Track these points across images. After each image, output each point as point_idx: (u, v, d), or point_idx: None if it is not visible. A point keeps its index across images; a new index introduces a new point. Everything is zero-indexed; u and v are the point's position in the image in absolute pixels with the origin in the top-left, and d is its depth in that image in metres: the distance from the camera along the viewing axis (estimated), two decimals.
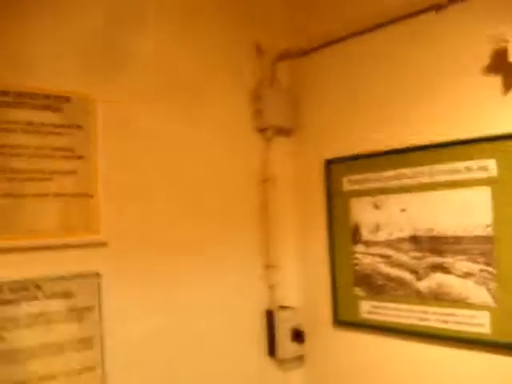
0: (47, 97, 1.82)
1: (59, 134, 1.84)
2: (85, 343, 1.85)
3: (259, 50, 2.45)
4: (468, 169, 1.88)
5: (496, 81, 1.81)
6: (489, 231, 1.83)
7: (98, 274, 1.89)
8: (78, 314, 1.85)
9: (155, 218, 2.08)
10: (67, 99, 1.86)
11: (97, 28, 1.96)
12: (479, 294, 1.86)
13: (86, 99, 1.90)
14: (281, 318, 2.38)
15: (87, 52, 1.94)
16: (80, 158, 1.88)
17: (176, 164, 2.16)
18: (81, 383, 1.85)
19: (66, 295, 1.82)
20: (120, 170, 1.99)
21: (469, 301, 1.89)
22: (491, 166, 1.82)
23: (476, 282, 1.87)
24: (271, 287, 2.43)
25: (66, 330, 1.82)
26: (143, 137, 2.07)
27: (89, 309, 1.87)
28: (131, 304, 1.99)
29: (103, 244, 1.91)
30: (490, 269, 1.83)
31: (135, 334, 2.00)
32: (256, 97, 2.40)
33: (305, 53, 2.45)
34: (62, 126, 1.85)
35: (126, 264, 1.98)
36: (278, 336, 2.38)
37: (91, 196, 1.89)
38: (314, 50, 2.41)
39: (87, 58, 1.94)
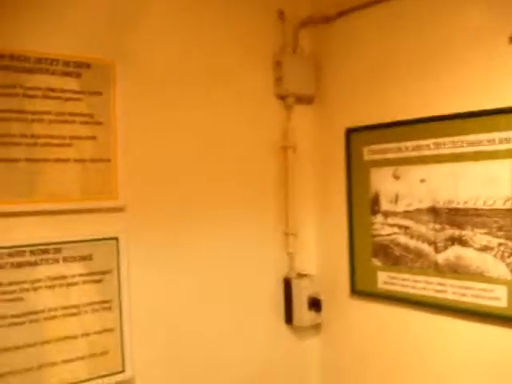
0: (67, 63, 1.83)
1: (79, 99, 1.85)
2: (103, 305, 1.90)
3: (281, 16, 2.41)
4: (490, 141, 1.84)
5: None
6: (509, 205, 1.80)
7: (116, 238, 1.92)
8: (97, 277, 1.89)
9: (174, 183, 2.10)
10: (87, 65, 1.87)
11: None
12: (497, 267, 1.84)
13: (105, 65, 1.91)
14: (298, 286, 2.39)
15: (108, 18, 1.94)
16: (99, 123, 1.89)
17: (195, 130, 2.16)
18: (100, 344, 1.90)
19: (85, 258, 1.86)
20: (139, 137, 2.01)
21: (486, 274, 1.88)
22: None
23: (494, 256, 1.85)
24: (289, 255, 2.44)
25: (85, 293, 1.86)
26: (162, 103, 2.07)
27: (107, 272, 1.91)
28: (149, 268, 2.03)
29: (121, 209, 1.94)
30: (509, 243, 1.80)
31: (153, 297, 2.04)
32: (277, 63, 2.37)
33: (327, 19, 2.40)
34: (81, 92, 1.86)
35: (144, 228, 2.01)
36: (295, 304, 2.40)
37: (110, 161, 1.90)
38: (337, 16, 2.36)
39: (108, 24, 1.94)
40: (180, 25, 2.12)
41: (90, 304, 1.88)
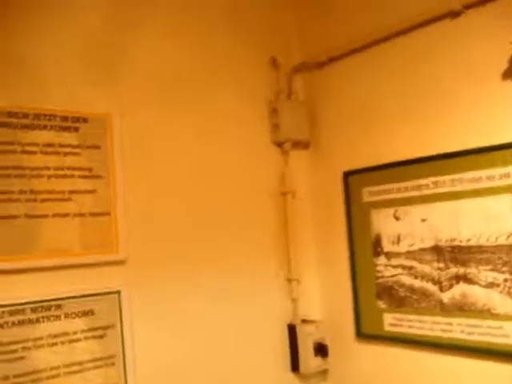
0: (64, 118, 1.85)
1: (77, 154, 1.87)
2: (106, 361, 1.86)
3: (275, 64, 2.46)
4: (490, 177, 1.85)
5: None
6: None
7: (118, 292, 1.89)
8: (100, 332, 1.85)
9: (174, 234, 2.09)
10: (84, 119, 1.89)
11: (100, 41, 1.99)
12: (504, 303, 1.83)
13: (102, 118, 1.92)
14: (303, 332, 2.36)
15: (102, 70, 1.96)
16: (98, 177, 1.90)
17: (193, 180, 2.17)
18: None
19: (87, 314, 1.83)
20: (139, 189, 2.01)
21: (494, 311, 1.86)
22: None
23: (501, 292, 1.83)
24: (293, 301, 2.41)
25: (88, 349, 1.83)
26: (161, 154, 2.09)
27: (110, 327, 1.88)
28: (152, 321, 1.99)
29: (122, 262, 1.92)
30: None
31: (157, 352, 2.00)
32: (272, 110, 2.40)
33: (321, 65, 2.44)
34: (79, 146, 1.87)
35: (145, 281, 1.99)
36: (300, 350, 2.36)
37: (110, 214, 1.90)
38: (328, 62, 2.40)
39: (103, 76, 1.96)
40: (173, 75, 2.15)
41: (93, 360, 1.84)
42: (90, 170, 1.88)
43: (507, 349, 1.83)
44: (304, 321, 2.41)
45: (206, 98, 2.23)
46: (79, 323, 1.82)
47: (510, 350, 1.82)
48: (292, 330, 2.39)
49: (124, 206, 1.94)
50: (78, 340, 1.81)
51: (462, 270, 1.94)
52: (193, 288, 2.12)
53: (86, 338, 1.83)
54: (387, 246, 2.18)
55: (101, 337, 1.86)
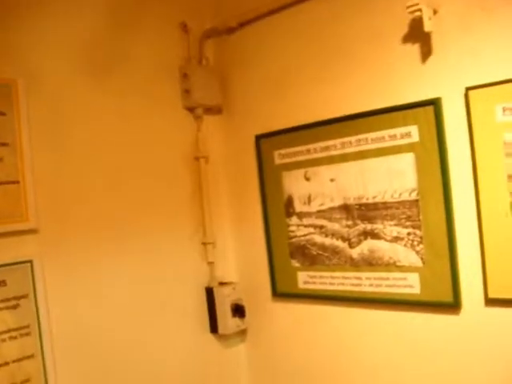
0: None
1: None
2: (21, 331, 1.82)
3: (185, 29, 2.44)
4: (392, 136, 1.94)
5: (414, 49, 1.87)
6: (414, 196, 1.90)
7: (30, 261, 1.86)
8: (13, 302, 1.81)
9: (86, 201, 2.05)
10: None
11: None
12: (408, 256, 1.94)
13: (7, 84, 1.85)
14: (221, 294, 2.41)
15: (7, 37, 1.89)
16: (5, 145, 1.83)
17: (105, 145, 2.13)
18: (20, 373, 1.82)
19: None
20: (48, 156, 1.96)
21: (399, 263, 1.97)
22: (413, 132, 1.88)
23: (405, 245, 1.94)
24: (210, 264, 2.45)
25: (1, 320, 1.78)
26: (72, 124, 2.03)
27: (23, 297, 1.84)
28: (67, 288, 1.97)
29: (34, 231, 1.88)
30: (418, 231, 1.90)
31: (75, 318, 1.98)
32: (183, 76, 2.39)
33: (230, 30, 2.45)
34: None
35: (59, 249, 1.96)
36: (218, 312, 2.41)
37: (18, 183, 1.85)
38: (239, 27, 2.41)
39: (7, 43, 1.89)
40: (82, 39, 2.10)
41: (8, 331, 1.80)
42: None
43: (412, 298, 1.95)
44: (221, 283, 2.46)
45: (116, 65, 2.19)
46: None
47: (415, 299, 1.94)
48: (209, 292, 2.43)
49: (34, 175, 1.89)
50: None
51: (369, 227, 2.03)
52: (108, 255, 2.10)
53: None
54: (299, 207, 2.25)
55: (14, 307, 1.82)
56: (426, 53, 1.85)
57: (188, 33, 2.45)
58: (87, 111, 2.09)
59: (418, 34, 1.84)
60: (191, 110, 2.43)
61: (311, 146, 2.18)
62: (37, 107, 1.93)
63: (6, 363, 1.79)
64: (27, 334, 1.85)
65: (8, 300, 1.81)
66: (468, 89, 1.73)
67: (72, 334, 1.97)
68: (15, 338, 1.82)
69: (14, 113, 1.86)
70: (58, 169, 1.98)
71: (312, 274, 2.24)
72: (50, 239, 1.94)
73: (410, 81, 1.89)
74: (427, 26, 1.76)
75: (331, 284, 2.17)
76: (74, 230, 2.01)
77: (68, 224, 1.99)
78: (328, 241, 2.16)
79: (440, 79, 1.82)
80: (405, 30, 1.89)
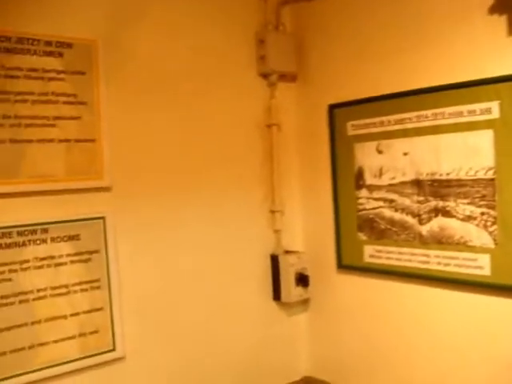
0: (48, 43, 1.82)
1: (62, 79, 1.85)
2: (92, 285, 1.91)
3: None
4: (471, 112, 1.86)
5: (500, 21, 1.77)
6: (490, 174, 1.82)
7: (103, 218, 1.92)
8: (85, 256, 1.90)
9: (160, 163, 2.10)
10: (69, 45, 1.86)
11: None
12: (480, 236, 1.88)
13: (88, 45, 1.90)
14: (286, 262, 2.41)
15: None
16: (83, 103, 1.89)
17: (180, 109, 2.17)
18: (89, 323, 1.91)
19: (73, 238, 1.87)
20: (124, 117, 2.01)
21: (470, 244, 1.91)
22: (494, 109, 1.80)
23: (477, 225, 1.88)
24: (276, 232, 2.46)
25: (74, 273, 1.87)
26: (147, 84, 2.07)
27: (95, 251, 1.92)
28: (137, 246, 2.04)
29: (107, 188, 1.95)
30: (492, 212, 1.83)
31: (142, 276, 2.05)
32: (259, 41, 2.38)
33: None
34: (64, 71, 1.86)
35: (130, 208, 2.02)
36: (283, 280, 2.43)
37: (95, 141, 1.91)
38: None
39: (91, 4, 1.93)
40: (162, 9, 2.12)
41: (79, 284, 1.89)
42: (74, 96, 1.87)
43: (481, 279, 1.89)
44: (287, 252, 2.47)
45: (194, 26, 2.20)
46: (65, 247, 1.85)
47: (484, 281, 1.88)
48: (275, 260, 2.44)
49: (110, 133, 1.94)
50: (63, 264, 1.85)
51: (441, 204, 1.98)
52: (178, 217, 2.15)
53: (71, 262, 1.87)
54: (369, 179, 2.21)
55: (86, 261, 1.90)
56: None
57: None
58: (163, 72, 2.12)
59: (505, 5, 1.75)
60: (266, 76, 2.42)
61: (385, 118, 2.13)
62: (115, 69, 1.97)
63: (77, 313, 1.89)
64: (97, 288, 1.93)
65: (81, 254, 1.89)
66: None
67: (139, 291, 2.04)
68: (86, 290, 1.90)
69: (92, 72, 1.92)
70: (133, 130, 2.03)
71: (379, 248, 2.21)
72: (123, 197, 2.00)
73: (494, 54, 1.80)
74: None
75: (398, 260, 2.14)
76: (145, 189, 2.06)
77: (140, 184, 2.05)
78: (397, 215, 2.12)
79: None
80: (490, 0, 1.80)
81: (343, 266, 2.37)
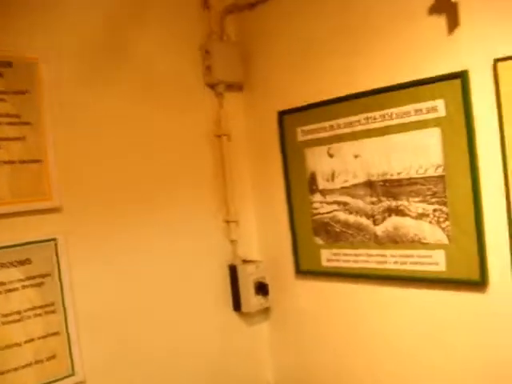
0: None
1: (3, 100, 1.79)
2: (46, 309, 1.84)
3: (206, 5, 2.41)
4: (418, 111, 1.89)
5: (440, 21, 1.81)
6: (440, 171, 1.86)
7: (54, 240, 1.87)
8: (37, 280, 1.83)
9: (109, 179, 2.06)
10: (8, 64, 1.80)
11: None
12: (434, 233, 1.91)
13: (28, 63, 1.85)
14: (244, 272, 2.40)
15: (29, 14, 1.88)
16: (27, 123, 1.83)
17: (127, 124, 2.13)
18: (46, 349, 1.84)
19: (24, 263, 1.80)
20: (70, 135, 1.95)
21: (424, 241, 1.93)
22: (440, 107, 1.84)
23: (430, 222, 1.91)
24: (233, 242, 2.45)
25: (26, 298, 1.80)
26: (91, 98, 2.02)
27: (48, 275, 1.86)
28: (91, 266, 1.98)
29: (57, 209, 1.89)
30: (444, 208, 1.87)
31: (99, 296, 2.00)
32: (205, 52, 2.36)
33: (252, 5, 2.42)
34: (5, 92, 1.79)
35: (82, 228, 1.96)
36: (242, 290, 2.41)
37: (41, 161, 1.85)
38: (260, 2, 2.38)
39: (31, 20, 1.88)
40: (101, 17, 2.08)
41: (33, 309, 1.82)
42: (17, 116, 1.81)
43: (437, 276, 1.92)
44: (244, 261, 2.46)
45: (136, 42, 2.17)
46: (16, 272, 1.78)
47: (440, 277, 1.91)
48: (233, 270, 2.43)
49: (56, 153, 1.89)
50: (15, 289, 1.78)
51: (393, 203, 2.00)
52: (131, 233, 2.11)
53: (23, 287, 1.80)
54: (322, 184, 2.22)
55: (39, 285, 1.84)
56: (452, 24, 1.79)
57: (209, 9, 2.42)
58: (107, 88, 2.08)
59: (444, 5, 1.79)
60: (213, 86, 2.41)
61: (334, 122, 2.14)
62: (58, 86, 1.92)
63: (32, 340, 1.82)
64: (52, 312, 1.87)
65: (33, 278, 1.83)
66: (497, 60, 1.67)
67: (96, 312, 1.99)
68: (40, 315, 1.84)
69: (35, 91, 1.86)
70: (80, 147, 1.98)
71: (336, 251, 2.22)
72: (74, 217, 1.94)
73: (436, 53, 1.83)
74: None
75: (355, 262, 2.15)
76: (97, 207, 2.01)
77: (91, 202, 2.00)
78: (352, 218, 2.14)
79: (467, 51, 1.76)
80: (431, 1, 1.83)
81: (301, 271, 2.37)
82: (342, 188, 2.15)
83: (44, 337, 1.84)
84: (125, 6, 2.16)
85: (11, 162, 1.79)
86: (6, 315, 1.76)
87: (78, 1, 2.02)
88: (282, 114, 2.34)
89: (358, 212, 2.11)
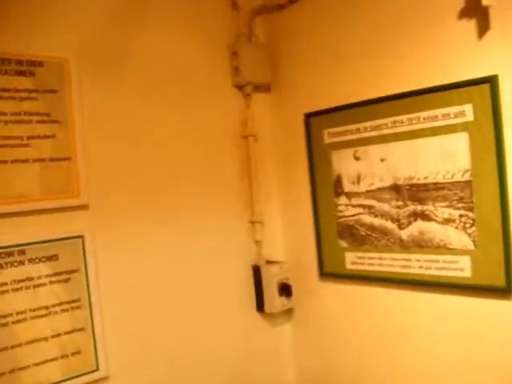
0: (20, 62, 1.80)
1: (34, 98, 1.83)
2: (72, 305, 1.88)
3: (235, 6, 2.42)
4: (445, 115, 1.88)
5: (470, 25, 1.80)
6: (467, 176, 1.84)
7: (81, 237, 1.90)
8: (64, 276, 1.87)
9: (137, 178, 2.08)
10: (40, 63, 1.84)
11: None
12: (460, 239, 1.89)
13: (59, 63, 1.88)
14: (268, 272, 2.41)
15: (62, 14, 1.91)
16: (57, 122, 1.87)
17: (157, 124, 2.15)
18: (71, 344, 1.88)
19: (51, 258, 1.84)
20: (99, 133, 1.99)
21: (450, 246, 1.92)
22: (468, 112, 1.82)
23: (456, 228, 1.89)
24: (257, 243, 2.45)
25: (53, 293, 1.84)
26: (121, 97, 2.06)
27: (75, 271, 1.89)
28: (117, 263, 2.01)
29: (85, 206, 1.92)
30: (470, 214, 1.85)
31: (123, 293, 2.02)
32: (233, 53, 2.38)
33: (280, 7, 2.42)
34: (36, 90, 1.83)
35: (109, 225, 1.99)
36: (265, 291, 2.42)
37: (70, 159, 1.88)
38: (289, 3, 2.38)
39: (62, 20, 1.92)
40: (134, 21, 2.11)
41: (59, 304, 1.85)
42: (47, 114, 1.84)
43: (462, 281, 1.90)
44: (268, 262, 2.46)
45: (165, 43, 2.20)
46: (43, 268, 1.82)
47: (465, 283, 1.89)
48: (257, 271, 2.43)
49: (85, 151, 1.92)
50: (42, 285, 1.82)
51: (419, 208, 1.99)
52: (157, 231, 2.13)
53: (51, 283, 1.84)
54: (348, 186, 2.22)
55: (66, 281, 1.87)
56: (482, 28, 1.77)
57: (238, 10, 2.43)
58: (135, 90, 2.11)
59: (475, 9, 1.77)
60: (240, 87, 2.42)
61: (361, 125, 2.13)
62: (88, 85, 1.95)
63: (58, 335, 1.85)
64: (78, 308, 1.90)
65: (60, 274, 1.86)
66: None
67: (121, 309, 2.01)
68: (66, 310, 1.87)
69: (65, 90, 1.89)
70: (109, 146, 2.01)
71: (360, 254, 2.21)
72: (101, 214, 1.97)
73: (466, 58, 1.82)
74: (485, 0, 1.70)
75: (379, 265, 2.14)
76: (123, 206, 2.04)
77: (118, 199, 2.02)
78: (377, 221, 2.13)
79: (497, 56, 1.74)
80: (461, 4, 1.81)
81: (325, 273, 2.37)
82: (368, 191, 2.15)
83: (70, 332, 1.88)
84: (154, 6, 2.18)
85: (41, 160, 1.83)
86: (33, 310, 1.80)
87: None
88: (309, 116, 2.33)
89: (384, 216, 2.10)
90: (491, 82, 1.75)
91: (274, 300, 2.41)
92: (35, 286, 1.81)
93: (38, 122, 1.83)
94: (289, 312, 2.55)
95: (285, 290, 2.42)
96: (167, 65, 2.20)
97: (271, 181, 2.53)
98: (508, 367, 1.81)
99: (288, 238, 2.55)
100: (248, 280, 2.44)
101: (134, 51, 2.10)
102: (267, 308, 2.43)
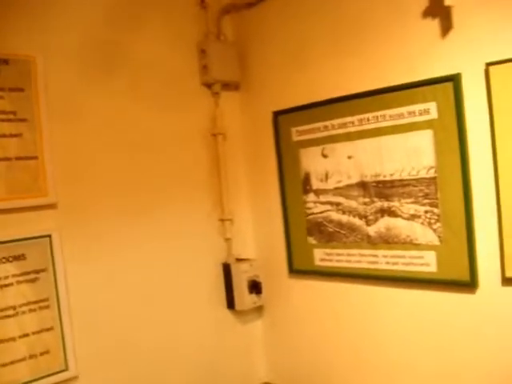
0: None
1: (0, 97, 1.81)
2: (40, 304, 1.86)
3: (203, 4, 2.42)
4: (411, 113, 1.91)
5: (434, 24, 1.83)
6: (432, 173, 1.87)
7: (49, 236, 1.88)
8: (32, 276, 1.85)
9: (105, 177, 2.08)
10: (5, 61, 1.82)
11: None
12: (425, 234, 1.92)
13: (25, 61, 1.86)
14: (238, 270, 2.42)
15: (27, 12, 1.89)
16: (23, 120, 1.85)
17: (125, 121, 2.15)
18: (39, 344, 1.86)
19: (19, 258, 1.82)
20: (67, 132, 1.98)
21: (416, 242, 1.95)
22: (432, 109, 1.85)
23: (422, 223, 1.93)
24: (227, 240, 2.47)
25: (21, 293, 1.82)
26: (88, 95, 2.04)
27: (42, 270, 1.87)
28: (85, 263, 2.00)
29: (52, 206, 1.91)
30: (435, 210, 1.88)
31: (93, 293, 2.01)
32: (201, 51, 2.38)
33: (248, 6, 2.44)
34: (1, 89, 1.81)
35: (78, 224, 1.98)
36: (235, 288, 2.43)
37: (37, 158, 1.87)
38: (257, 2, 2.40)
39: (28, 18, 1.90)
40: (97, 16, 2.09)
41: (27, 304, 1.84)
42: (14, 113, 1.83)
43: (428, 276, 1.93)
44: (238, 259, 2.47)
45: (132, 41, 2.19)
46: (10, 268, 1.80)
47: (431, 278, 1.93)
48: (227, 268, 2.44)
49: (53, 150, 1.91)
50: (10, 284, 1.80)
51: (386, 204, 2.02)
52: (125, 230, 2.12)
53: (18, 283, 1.82)
54: (316, 184, 2.24)
55: (33, 281, 1.85)
56: (445, 27, 1.80)
57: (206, 8, 2.43)
58: (104, 87, 2.09)
59: (438, 8, 1.80)
60: (209, 86, 2.43)
61: (329, 123, 2.16)
62: (55, 83, 1.94)
63: (26, 335, 1.84)
64: (46, 307, 1.88)
65: (27, 273, 1.85)
66: (488, 64, 1.69)
67: (90, 308, 2.00)
68: (34, 310, 1.86)
69: (31, 89, 1.87)
70: (76, 144, 2.00)
71: (328, 251, 2.23)
72: (69, 214, 1.96)
73: (429, 56, 1.85)
74: (448, 0, 1.73)
75: (348, 261, 2.17)
76: (92, 204, 2.03)
77: (86, 198, 2.01)
78: (345, 218, 2.15)
79: (460, 55, 1.78)
80: (425, 3, 1.85)
81: (294, 270, 2.39)
82: (336, 188, 2.17)
83: (38, 332, 1.86)
84: (122, 5, 2.16)
85: (7, 159, 1.81)
86: (1, 310, 1.78)
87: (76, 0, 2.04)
88: (277, 114, 2.35)
89: (351, 212, 2.13)
90: (454, 80, 1.78)
91: (244, 297, 2.42)
92: (2, 286, 1.79)
93: (3, 120, 1.81)
94: (259, 309, 2.56)
95: (255, 287, 2.44)
96: (136, 63, 2.19)
97: (240, 179, 2.54)
98: (473, 357, 1.85)
99: (258, 235, 2.56)
100: (218, 278, 2.45)
101: (103, 50, 2.09)
102: (238, 305, 2.44)
